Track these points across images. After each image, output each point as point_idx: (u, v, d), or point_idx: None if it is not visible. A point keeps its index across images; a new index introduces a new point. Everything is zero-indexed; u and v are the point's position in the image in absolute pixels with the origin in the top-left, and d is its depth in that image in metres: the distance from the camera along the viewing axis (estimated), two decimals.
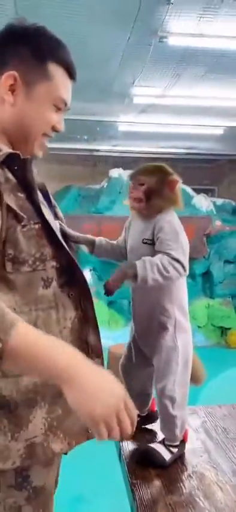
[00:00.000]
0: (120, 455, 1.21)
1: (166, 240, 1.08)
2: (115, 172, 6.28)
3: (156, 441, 1.17)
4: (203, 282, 6.32)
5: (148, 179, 1.13)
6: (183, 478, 1.08)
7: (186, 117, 5.28)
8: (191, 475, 1.09)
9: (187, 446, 1.18)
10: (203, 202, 6.54)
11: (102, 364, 0.98)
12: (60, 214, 1.12)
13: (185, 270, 1.09)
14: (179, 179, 1.16)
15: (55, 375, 0.72)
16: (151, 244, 1.12)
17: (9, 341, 0.68)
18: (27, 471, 0.88)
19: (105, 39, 3.20)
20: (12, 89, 0.88)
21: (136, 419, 0.74)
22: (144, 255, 1.11)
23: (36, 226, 0.87)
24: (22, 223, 0.84)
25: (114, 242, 1.29)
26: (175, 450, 1.13)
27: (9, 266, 0.84)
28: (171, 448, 1.13)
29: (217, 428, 1.33)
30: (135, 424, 0.73)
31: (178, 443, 1.14)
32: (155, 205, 1.13)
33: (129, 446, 1.22)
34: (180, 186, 1.16)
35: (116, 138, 6.52)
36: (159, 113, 5.06)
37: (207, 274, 6.29)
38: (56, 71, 0.91)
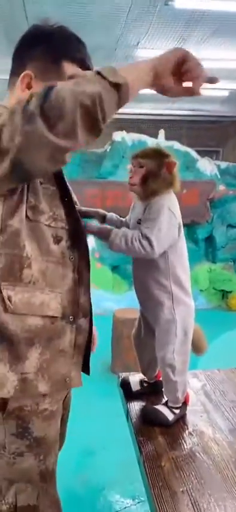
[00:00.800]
0: (127, 415, 1.34)
1: (146, 220, 1.14)
2: (118, 136, 6.19)
3: (160, 403, 1.28)
4: (206, 247, 6.37)
5: (147, 162, 1.17)
6: (184, 435, 1.19)
7: None
8: (192, 433, 1.21)
9: (188, 407, 1.29)
10: (207, 166, 6.46)
11: (88, 323, 1.11)
12: (74, 198, 1.19)
13: (153, 249, 1.11)
14: (176, 161, 1.18)
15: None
16: None
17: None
18: (27, 423, 1.01)
19: (110, 1, 3.13)
20: (29, 87, 0.95)
21: None
22: None
23: (53, 188, 1.01)
24: (41, 182, 0.98)
25: (123, 219, 1.34)
26: (177, 411, 1.24)
27: (30, 213, 0.95)
28: (174, 410, 1.24)
29: (216, 391, 1.44)
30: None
31: (180, 405, 1.25)
32: (151, 188, 1.16)
33: (135, 407, 1.33)
34: (178, 168, 1.18)
35: None
36: None
37: (210, 239, 6.34)
38: (70, 69, 0.96)
